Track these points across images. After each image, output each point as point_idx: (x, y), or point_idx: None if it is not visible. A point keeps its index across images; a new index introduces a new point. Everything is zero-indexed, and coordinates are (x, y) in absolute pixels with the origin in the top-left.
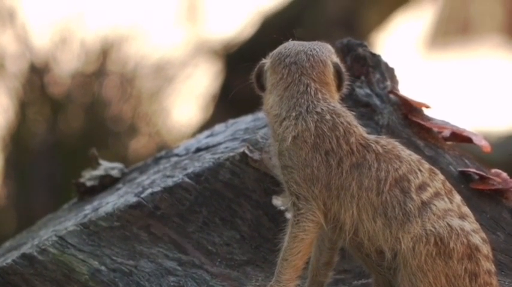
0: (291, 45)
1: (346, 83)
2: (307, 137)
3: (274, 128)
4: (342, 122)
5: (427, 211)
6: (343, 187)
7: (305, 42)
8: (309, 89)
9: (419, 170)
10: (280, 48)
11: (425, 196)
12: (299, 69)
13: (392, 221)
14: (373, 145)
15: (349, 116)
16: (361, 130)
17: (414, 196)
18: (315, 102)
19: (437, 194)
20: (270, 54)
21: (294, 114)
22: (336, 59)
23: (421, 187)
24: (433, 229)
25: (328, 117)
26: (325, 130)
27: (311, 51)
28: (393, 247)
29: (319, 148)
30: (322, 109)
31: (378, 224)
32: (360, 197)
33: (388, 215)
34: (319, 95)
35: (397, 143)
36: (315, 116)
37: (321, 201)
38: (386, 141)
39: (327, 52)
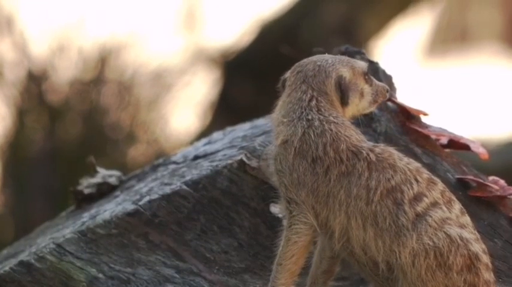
0: (314, 57)
1: (349, 96)
2: (294, 142)
3: (273, 133)
4: (330, 129)
5: (422, 223)
6: (331, 195)
7: (333, 55)
8: (305, 96)
9: (416, 180)
10: (305, 59)
11: (420, 207)
12: (302, 77)
13: (384, 233)
14: (364, 153)
15: (342, 125)
16: (354, 138)
17: (407, 209)
18: (308, 110)
19: (434, 204)
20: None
21: (287, 119)
22: (347, 73)
23: (417, 198)
24: (431, 243)
25: (317, 123)
26: (312, 137)
27: (322, 61)
28: (387, 259)
29: (306, 154)
30: (313, 117)
31: (369, 234)
32: (348, 204)
33: (379, 225)
34: (314, 103)
35: (394, 151)
36: (305, 123)
37: (309, 206)
38: (382, 150)
39: (339, 65)
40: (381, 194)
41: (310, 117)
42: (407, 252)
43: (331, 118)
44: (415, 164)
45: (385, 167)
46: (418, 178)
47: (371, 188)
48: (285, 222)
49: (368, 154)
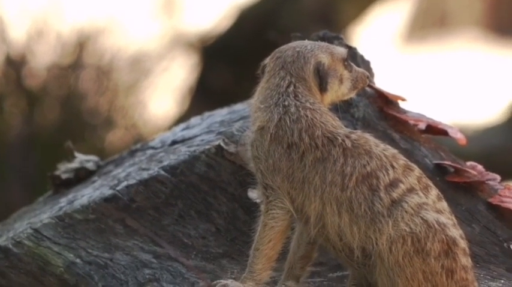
0: (293, 43)
1: (328, 82)
2: (270, 128)
3: (251, 119)
4: (306, 115)
5: (398, 209)
6: (306, 180)
7: (312, 42)
8: (283, 82)
9: (392, 166)
10: (284, 45)
11: (396, 193)
12: (281, 63)
13: (359, 219)
14: (340, 139)
15: (318, 111)
16: (330, 124)
17: (383, 195)
18: (285, 96)
19: (410, 190)
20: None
21: (264, 105)
22: (326, 59)
23: (392, 184)
24: (408, 229)
25: (293, 110)
26: (288, 123)
27: (301, 47)
28: (363, 245)
29: (281, 140)
30: (289, 103)
31: (344, 220)
32: (323, 190)
33: (354, 211)
34: (291, 89)
35: (370, 138)
36: (281, 109)
37: (285, 191)
38: (358, 136)
39: (318, 51)
40: (356, 180)
41: (286, 103)
42: (384, 239)
43: (308, 104)
44: (391, 151)
45: (361, 153)
46: (394, 164)
47: (346, 174)
48: (262, 207)
49: (344, 140)
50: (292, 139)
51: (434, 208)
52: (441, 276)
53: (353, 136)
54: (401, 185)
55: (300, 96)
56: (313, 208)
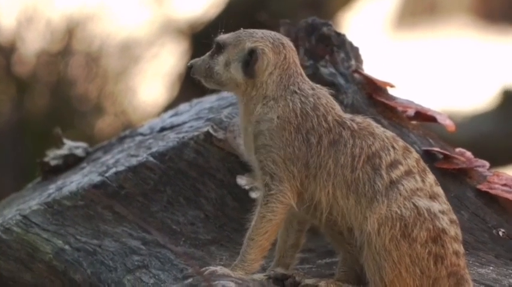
0: (263, 31)
1: None
2: (291, 117)
3: (251, 109)
4: (322, 103)
5: (394, 190)
6: (321, 165)
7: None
8: (295, 72)
9: (393, 147)
10: (259, 32)
11: (395, 174)
12: (292, 55)
13: (362, 198)
14: (348, 122)
15: (325, 97)
16: (337, 109)
17: (384, 174)
18: (299, 84)
19: (408, 172)
20: (257, 38)
21: (278, 95)
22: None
23: (393, 165)
24: (398, 212)
25: (310, 99)
26: (308, 110)
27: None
28: (361, 226)
29: (302, 127)
30: (302, 91)
31: (350, 202)
32: (335, 175)
33: (359, 192)
34: (301, 78)
35: (371, 121)
36: (300, 98)
37: (298, 181)
38: (362, 119)
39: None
40: (363, 161)
41: (299, 91)
42: (375, 218)
43: (319, 93)
44: (390, 133)
45: (366, 134)
46: (395, 145)
47: (355, 155)
48: (252, 194)
49: (351, 123)
50: (311, 125)
51: (431, 192)
52: (428, 261)
53: (357, 119)
54: (401, 167)
55: (307, 83)
56: (325, 193)
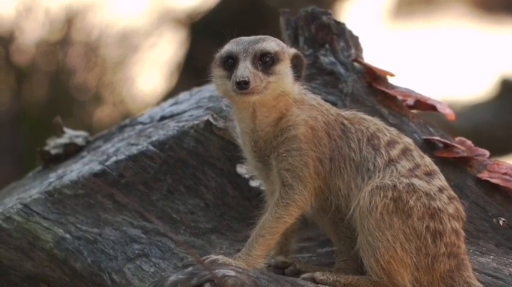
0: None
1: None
2: (318, 118)
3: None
4: (321, 99)
5: (391, 168)
6: (341, 155)
7: None
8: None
9: (386, 129)
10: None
11: (393, 153)
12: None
13: (365, 176)
14: (342, 113)
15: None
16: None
17: (383, 152)
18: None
19: (405, 151)
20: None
21: (300, 98)
22: None
23: (390, 144)
24: (390, 183)
25: (316, 97)
26: (323, 109)
27: None
28: (357, 201)
29: (326, 125)
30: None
31: (357, 182)
32: (350, 160)
33: (362, 171)
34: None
35: (354, 111)
36: (314, 98)
37: (323, 180)
38: (346, 111)
39: None
40: (365, 143)
41: (317, 97)
42: (369, 189)
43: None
44: (379, 121)
45: (360, 120)
46: (388, 127)
47: (359, 138)
48: (252, 183)
49: (343, 114)
50: (328, 120)
51: (430, 169)
52: (425, 239)
53: (343, 112)
54: (398, 146)
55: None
56: (342, 180)
